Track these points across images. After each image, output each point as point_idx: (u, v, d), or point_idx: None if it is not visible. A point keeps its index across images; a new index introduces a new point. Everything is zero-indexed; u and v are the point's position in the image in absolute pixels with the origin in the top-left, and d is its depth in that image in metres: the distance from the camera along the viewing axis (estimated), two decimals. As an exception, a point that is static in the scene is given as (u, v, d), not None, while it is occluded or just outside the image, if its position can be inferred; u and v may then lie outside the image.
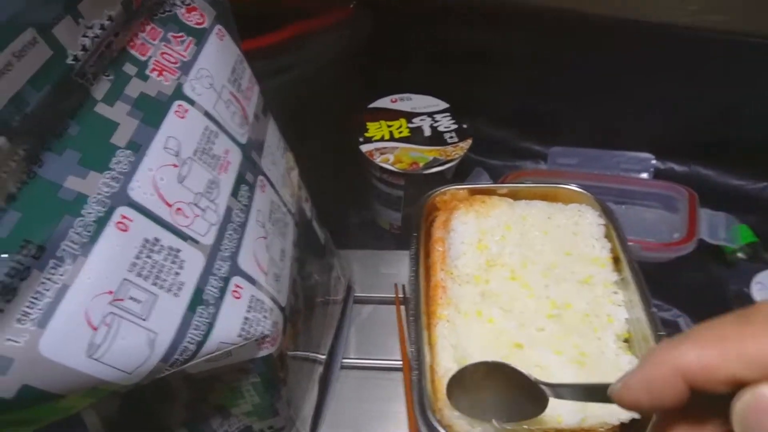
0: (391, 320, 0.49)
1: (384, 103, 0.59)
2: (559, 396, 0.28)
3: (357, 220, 0.65)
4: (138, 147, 0.23)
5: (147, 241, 0.23)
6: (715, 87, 0.58)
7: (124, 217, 0.22)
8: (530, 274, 0.37)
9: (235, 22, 0.33)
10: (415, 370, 0.33)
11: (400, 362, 0.46)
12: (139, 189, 0.23)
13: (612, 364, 0.34)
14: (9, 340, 0.18)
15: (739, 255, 0.55)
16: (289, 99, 0.45)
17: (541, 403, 0.28)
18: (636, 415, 0.30)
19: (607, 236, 0.40)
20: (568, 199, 0.42)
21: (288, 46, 0.48)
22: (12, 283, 0.18)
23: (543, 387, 0.28)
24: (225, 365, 0.27)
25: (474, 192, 0.43)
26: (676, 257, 0.53)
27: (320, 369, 0.41)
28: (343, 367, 0.46)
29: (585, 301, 0.36)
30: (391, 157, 0.52)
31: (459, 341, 0.34)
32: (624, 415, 0.30)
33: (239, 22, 0.33)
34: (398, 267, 0.53)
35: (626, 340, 0.36)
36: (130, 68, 0.24)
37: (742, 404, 0.16)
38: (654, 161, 0.64)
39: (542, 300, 0.36)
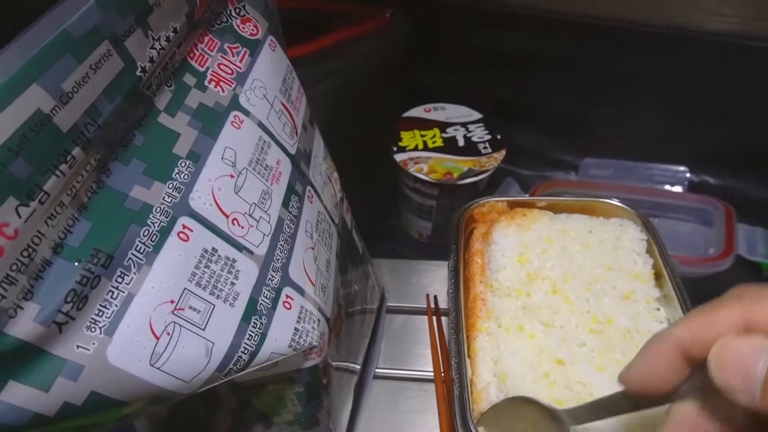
0: (422, 330, 0.49)
1: (418, 112, 0.59)
2: (579, 421, 0.28)
3: (386, 228, 0.65)
4: (198, 157, 0.23)
5: (206, 251, 0.23)
6: (753, 98, 0.58)
7: (185, 227, 0.22)
8: (572, 288, 0.37)
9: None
10: (456, 383, 0.33)
11: (432, 373, 0.46)
12: (199, 199, 0.23)
13: (656, 382, 0.33)
14: (79, 347, 0.18)
15: (778, 272, 0.54)
16: (325, 108, 0.46)
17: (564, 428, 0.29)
18: None
19: (649, 251, 0.39)
20: (608, 213, 0.41)
21: (325, 54, 0.48)
22: (83, 291, 0.18)
23: (561, 414, 0.29)
24: (271, 374, 0.27)
25: (513, 204, 0.42)
26: (711, 273, 0.52)
27: (355, 379, 0.41)
28: (375, 377, 0.46)
29: (627, 317, 0.36)
30: (425, 167, 0.52)
31: (500, 356, 0.34)
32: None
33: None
34: (430, 277, 0.53)
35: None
36: (189, 79, 0.25)
37: (712, 351, 0.19)
38: (688, 174, 0.63)
39: (584, 315, 0.36)
